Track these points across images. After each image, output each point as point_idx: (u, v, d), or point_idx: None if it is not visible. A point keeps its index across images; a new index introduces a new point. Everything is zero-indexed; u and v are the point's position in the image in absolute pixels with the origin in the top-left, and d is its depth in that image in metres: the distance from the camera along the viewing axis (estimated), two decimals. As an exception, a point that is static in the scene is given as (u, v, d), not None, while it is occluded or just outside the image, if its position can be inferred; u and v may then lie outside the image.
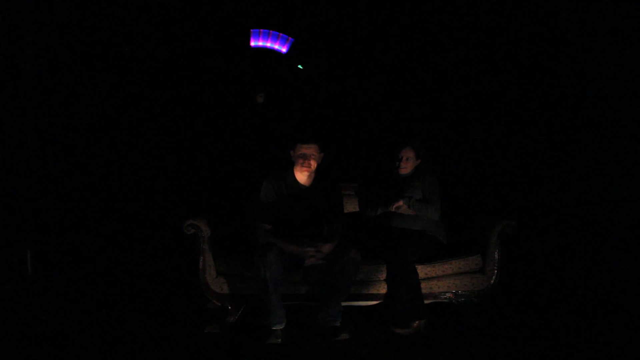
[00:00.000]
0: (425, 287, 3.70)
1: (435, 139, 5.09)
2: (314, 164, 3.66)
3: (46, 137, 5.06)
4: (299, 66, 5.01)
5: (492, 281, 3.79)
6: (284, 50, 4.97)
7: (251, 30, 4.97)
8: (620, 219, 4.79)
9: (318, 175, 3.77)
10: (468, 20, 5.10)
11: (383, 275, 3.69)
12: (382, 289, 3.70)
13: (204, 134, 5.22)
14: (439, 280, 3.76)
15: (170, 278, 4.81)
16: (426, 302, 3.65)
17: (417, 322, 3.56)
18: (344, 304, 3.59)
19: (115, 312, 4.00)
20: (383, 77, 5.18)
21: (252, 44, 4.99)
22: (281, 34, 4.91)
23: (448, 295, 3.77)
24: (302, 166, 3.65)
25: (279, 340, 3.43)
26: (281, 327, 3.48)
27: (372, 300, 3.73)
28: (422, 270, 3.70)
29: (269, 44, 4.95)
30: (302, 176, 3.73)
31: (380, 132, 5.15)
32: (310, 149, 3.64)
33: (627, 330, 3.60)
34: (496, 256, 3.79)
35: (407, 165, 3.99)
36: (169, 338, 3.49)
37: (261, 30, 4.96)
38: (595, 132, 4.98)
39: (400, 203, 3.84)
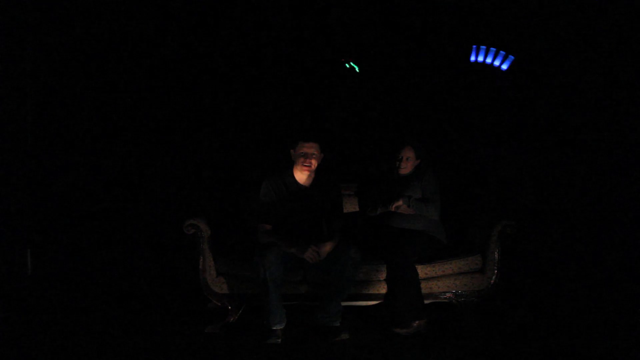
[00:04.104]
0: (425, 287, 3.70)
1: (435, 139, 5.09)
2: (314, 164, 3.65)
3: (46, 137, 5.05)
4: (349, 65, 4.89)
5: (492, 281, 3.79)
6: (504, 67, 4.89)
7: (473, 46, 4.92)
8: (620, 218, 4.80)
9: (317, 176, 3.75)
10: (466, 20, 5.11)
11: (383, 275, 3.69)
12: (382, 289, 3.70)
13: (204, 133, 5.22)
14: (439, 280, 3.76)
15: (170, 278, 4.82)
16: (426, 302, 3.65)
17: (417, 322, 3.55)
18: (344, 304, 3.58)
19: (115, 312, 4.00)
20: (383, 77, 5.19)
21: (472, 59, 4.97)
22: (500, 51, 4.80)
23: (448, 295, 3.77)
24: (303, 165, 3.64)
25: (279, 340, 3.42)
26: (281, 327, 3.48)
27: (372, 300, 3.73)
28: (422, 270, 3.70)
29: (488, 60, 4.90)
30: (302, 176, 3.72)
31: (380, 132, 5.15)
32: (311, 148, 3.62)
33: (627, 330, 3.60)
34: (496, 256, 3.78)
35: (407, 165, 3.99)
36: (169, 338, 3.49)
37: (479, 46, 4.90)
38: (594, 132, 4.98)
39: (400, 203, 3.84)
